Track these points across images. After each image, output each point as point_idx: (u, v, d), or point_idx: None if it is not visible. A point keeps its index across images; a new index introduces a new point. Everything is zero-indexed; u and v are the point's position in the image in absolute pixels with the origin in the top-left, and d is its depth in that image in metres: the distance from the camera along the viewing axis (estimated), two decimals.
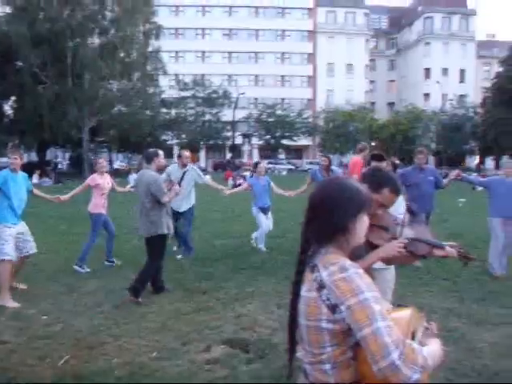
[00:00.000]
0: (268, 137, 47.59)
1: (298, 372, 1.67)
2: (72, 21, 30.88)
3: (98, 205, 7.23)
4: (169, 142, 42.05)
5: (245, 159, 49.24)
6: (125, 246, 8.59)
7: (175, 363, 3.89)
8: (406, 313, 1.56)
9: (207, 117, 43.80)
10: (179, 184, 7.74)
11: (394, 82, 65.65)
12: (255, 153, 54.57)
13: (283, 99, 54.73)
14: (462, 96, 54.34)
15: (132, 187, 8.04)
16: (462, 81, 59.64)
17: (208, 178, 10.08)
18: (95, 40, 33.43)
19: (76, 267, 6.90)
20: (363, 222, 1.63)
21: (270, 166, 46.18)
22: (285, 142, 47.51)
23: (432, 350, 1.48)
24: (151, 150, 6.07)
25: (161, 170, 6.04)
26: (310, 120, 50.09)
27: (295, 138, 47.34)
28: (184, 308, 5.28)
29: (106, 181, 7.40)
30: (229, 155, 42.59)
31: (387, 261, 2.66)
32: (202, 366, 3.86)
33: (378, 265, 3.84)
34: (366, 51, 60.66)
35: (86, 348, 4.15)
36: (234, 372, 3.74)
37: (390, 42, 67.18)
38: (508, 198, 6.68)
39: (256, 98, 54.94)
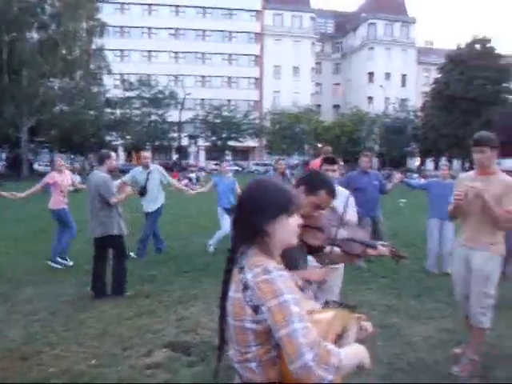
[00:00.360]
0: (214, 138, 47.37)
1: (234, 372, 1.67)
2: (7, 13, 29.42)
3: (58, 200, 7.26)
4: (114, 143, 40.99)
5: (191, 160, 48.86)
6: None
7: (115, 369, 3.79)
8: (328, 314, 1.58)
9: (153, 117, 43.01)
10: (145, 186, 7.80)
11: (340, 85, 67.32)
12: (202, 154, 54.28)
13: (230, 100, 54.77)
14: (403, 100, 56.48)
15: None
16: (403, 85, 61.98)
17: None
18: (34, 35, 32.00)
19: (53, 264, 7.01)
20: (286, 225, 1.62)
21: (216, 167, 46.14)
22: (231, 143, 47.51)
23: (351, 352, 1.50)
24: (103, 151, 6.12)
25: (112, 171, 6.02)
26: (257, 121, 50.35)
27: (242, 140, 47.43)
28: (126, 312, 5.16)
29: (65, 178, 7.42)
30: (175, 156, 41.96)
31: (322, 261, 2.72)
32: (143, 371, 3.79)
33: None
34: (312, 54, 61.84)
35: (20, 359, 3.96)
36: (176, 376, 3.70)
37: (336, 46, 68.86)
38: (444, 199, 6.99)
39: (203, 99, 54.68)
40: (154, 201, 7.96)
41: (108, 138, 39.58)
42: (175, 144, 43.96)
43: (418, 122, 50.30)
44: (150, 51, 56.39)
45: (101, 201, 5.60)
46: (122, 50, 54.75)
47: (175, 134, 43.75)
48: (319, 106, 62.38)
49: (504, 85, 45.61)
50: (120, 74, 42.36)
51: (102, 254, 5.86)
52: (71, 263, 7.33)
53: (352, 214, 4.04)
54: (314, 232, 2.59)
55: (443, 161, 7.70)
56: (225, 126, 46.54)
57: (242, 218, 1.63)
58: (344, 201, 3.99)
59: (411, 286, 6.37)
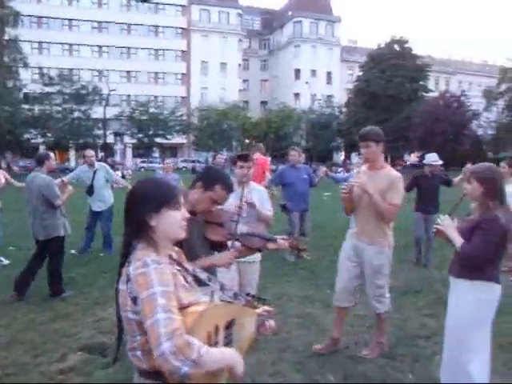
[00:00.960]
0: (141, 135, 46.21)
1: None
2: None
3: None
4: (34, 141, 38.77)
5: (118, 158, 47.38)
6: None
7: (24, 378, 3.65)
8: (200, 307, 1.61)
9: (76, 114, 40.97)
10: (92, 184, 7.75)
11: (267, 82, 68.08)
12: (129, 152, 52.84)
13: (156, 97, 53.67)
14: (329, 96, 58.20)
15: None
16: (328, 82, 63.81)
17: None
18: None
19: None
20: (169, 218, 1.68)
21: (144, 165, 45.12)
22: (158, 140, 46.56)
23: (221, 353, 1.56)
24: (42, 152, 6.21)
25: (51, 171, 5.91)
26: (184, 118, 49.74)
27: (169, 137, 46.64)
28: (39, 317, 4.95)
29: None
30: (101, 154, 40.39)
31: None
32: (55, 377, 3.67)
33: (246, 258, 4.04)
34: (240, 51, 62.04)
35: None
36: (90, 378, 3.63)
37: (263, 43, 69.55)
38: None
39: (129, 95, 53.18)
40: (102, 198, 7.93)
41: (27, 135, 37.24)
42: (100, 142, 42.30)
43: (343, 117, 52.09)
44: (71, 44, 53.79)
45: (44, 203, 5.49)
46: (40, 43, 51.91)
47: (100, 132, 42.10)
48: (247, 102, 62.80)
49: (421, 83, 48.46)
50: (39, 67, 40.07)
51: (43, 253, 5.73)
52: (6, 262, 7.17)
53: (268, 209, 4.17)
54: (215, 227, 2.65)
55: (356, 157, 8.08)
56: (152, 122, 45.47)
57: (129, 213, 1.70)
58: (259, 197, 4.14)
59: (328, 276, 6.59)
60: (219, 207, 2.65)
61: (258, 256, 4.24)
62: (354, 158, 56.29)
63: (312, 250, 8.00)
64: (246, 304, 1.94)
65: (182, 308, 1.58)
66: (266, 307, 2.00)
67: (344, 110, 53.07)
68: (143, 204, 1.66)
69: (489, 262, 3.01)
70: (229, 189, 2.63)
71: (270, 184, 7.47)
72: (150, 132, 45.62)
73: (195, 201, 2.61)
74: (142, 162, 47.16)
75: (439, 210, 6.93)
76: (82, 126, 41.02)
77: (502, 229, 2.92)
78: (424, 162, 7.65)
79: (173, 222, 1.69)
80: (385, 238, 3.93)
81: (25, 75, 37.49)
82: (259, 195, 4.14)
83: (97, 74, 49.41)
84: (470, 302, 3.04)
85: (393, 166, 6.88)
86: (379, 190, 3.78)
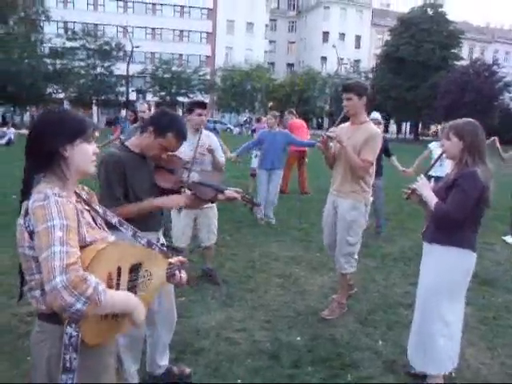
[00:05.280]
0: (163, 93, 45.95)
1: None
2: None
3: None
4: (56, 96, 38.89)
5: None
6: None
7: None
8: (101, 245, 1.54)
9: (99, 70, 40.94)
10: None
11: (294, 44, 66.49)
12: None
13: (181, 55, 53.04)
14: (356, 61, 56.59)
15: None
16: (357, 46, 61.93)
17: None
18: None
19: None
20: (83, 150, 1.61)
21: None
22: (181, 99, 46.28)
23: (122, 296, 1.52)
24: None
25: None
26: (208, 78, 49.19)
27: (191, 96, 46.25)
28: None
29: None
30: (123, 112, 40.37)
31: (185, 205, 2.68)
32: (24, 318, 3.69)
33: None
34: (267, 11, 60.37)
35: None
36: None
37: (291, 3, 67.49)
38: (273, 150, 7.27)
39: (153, 53, 52.63)
40: None
41: (49, 90, 37.33)
42: (123, 99, 42.26)
43: (368, 83, 50.65)
44: None
45: None
46: None
47: (123, 89, 42.05)
48: (273, 64, 61.61)
49: (452, 51, 46.50)
50: (62, 21, 39.81)
51: None
52: None
53: (221, 155, 4.39)
54: (164, 173, 2.53)
55: (269, 115, 7.82)
56: (174, 80, 45.14)
57: (36, 145, 1.58)
58: (213, 143, 4.26)
59: (322, 238, 6.49)
60: (170, 154, 2.52)
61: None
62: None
63: (311, 213, 7.88)
64: (160, 253, 1.84)
65: (84, 246, 1.51)
66: (180, 258, 1.94)
67: (370, 75, 51.60)
68: (57, 134, 1.56)
69: (465, 225, 2.79)
70: (182, 137, 2.50)
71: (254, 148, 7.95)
72: (173, 90, 45.31)
73: (145, 146, 2.49)
74: None
75: (382, 174, 6.61)
76: (104, 82, 41.03)
77: (481, 186, 2.68)
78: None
79: (85, 154, 1.62)
80: (361, 194, 3.81)
81: (49, 29, 37.38)
82: (212, 142, 4.27)
83: (121, 30, 48.83)
84: (442, 270, 2.87)
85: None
86: (355, 145, 3.68)
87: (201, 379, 2.98)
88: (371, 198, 3.94)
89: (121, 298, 1.52)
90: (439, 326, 2.91)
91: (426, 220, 3.14)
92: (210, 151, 4.15)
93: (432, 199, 2.82)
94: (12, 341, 3.34)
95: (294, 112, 10.14)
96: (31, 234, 1.47)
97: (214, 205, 4.26)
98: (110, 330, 1.60)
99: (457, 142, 2.79)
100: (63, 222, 1.42)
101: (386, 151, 6.52)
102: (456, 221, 2.75)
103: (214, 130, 7.97)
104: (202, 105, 4.10)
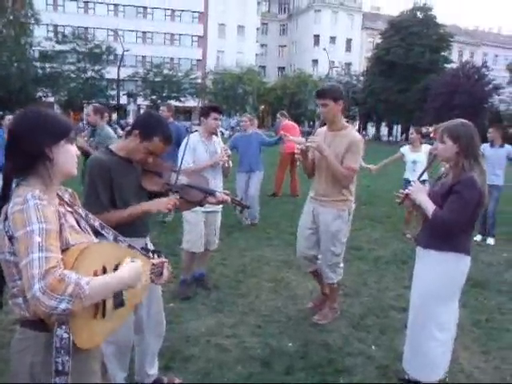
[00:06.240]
0: (154, 97, 45.79)
1: None
2: None
3: None
4: (46, 100, 38.53)
5: (130, 119, 47.20)
6: None
7: None
8: (84, 245, 1.50)
9: (90, 73, 40.67)
10: None
11: (285, 47, 66.60)
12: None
13: (172, 59, 52.93)
14: (347, 64, 56.76)
15: None
16: (348, 50, 62.13)
17: None
18: None
19: None
20: (67, 151, 1.58)
21: None
22: (172, 102, 46.17)
23: (106, 277, 1.49)
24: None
25: None
26: (199, 81, 49.08)
27: (182, 99, 46.14)
28: None
29: None
30: (114, 115, 40.15)
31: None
32: (8, 327, 3.60)
33: (212, 208, 3.99)
34: (258, 14, 60.45)
35: None
36: None
37: (282, 7, 67.61)
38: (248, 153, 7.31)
39: (143, 56, 52.45)
40: None
41: (39, 93, 37.00)
42: (114, 102, 42.00)
43: (359, 86, 50.90)
44: (86, 2, 52.73)
45: None
46: None
47: (114, 92, 41.78)
48: (264, 67, 61.67)
49: (442, 53, 46.84)
50: (52, 25, 39.49)
51: None
52: None
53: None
54: (152, 177, 2.48)
55: (244, 116, 7.94)
56: (165, 84, 45.01)
57: (19, 146, 1.53)
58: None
59: None
60: (155, 158, 2.46)
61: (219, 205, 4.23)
62: (370, 128, 55.75)
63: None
64: (141, 255, 1.84)
65: (68, 249, 1.48)
66: (162, 259, 1.95)
67: (361, 78, 51.82)
68: (42, 134, 1.52)
69: (462, 230, 2.75)
70: (167, 141, 2.44)
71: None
72: (164, 94, 45.14)
73: (131, 150, 2.43)
74: None
75: None
76: (95, 86, 40.76)
77: (479, 192, 2.63)
78: None
79: (69, 156, 1.59)
80: (344, 202, 3.73)
81: (38, 32, 37.06)
82: (225, 146, 4.51)
83: (112, 33, 48.60)
84: (438, 275, 2.80)
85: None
86: (337, 153, 3.58)
87: None
88: (353, 206, 3.87)
89: (107, 279, 1.48)
90: (434, 332, 2.85)
91: (419, 224, 3.09)
92: (229, 157, 4.35)
93: (429, 206, 2.74)
94: None
95: (286, 114, 10.15)
96: (11, 238, 1.42)
97: (219, 210, 4.37)
98: (100, 330, 1.56)
99: (451, 145, 2.71)
100: (42, 226, 1.38)
101: None
102: (454, 228, 2.70)
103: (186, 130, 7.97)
104: (218, 109, 4.25)
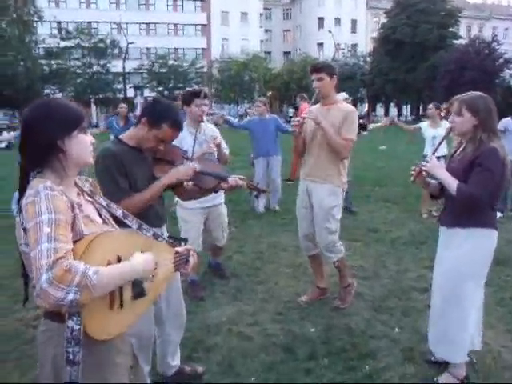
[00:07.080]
0: (161, 88, 45.71)
1: None
2: None
3: None
4: (55, 97, 38.69)
5: (138, 112, 47.17)
6: None
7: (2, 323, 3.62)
8: (91, 236, 1.45)
9: (95, 68, 40.73)
10: None
11: (290, 32, 65.86)
12: None
13: (177, 49, 52.69)
14: (353, 46, 56.04)
15: None
16: (353, 31, 61.28)
17: None
18: None
19: None
20: (80, 141, 1.56)
21: None
22: (179, 92, 46.02)
23: (118, 266, 1.45)
24: None
25: None
26: (205, 70, 48.85)
27: (189, 89, 46.00)
28: None
29: None
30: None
31: (180, 195, 2.59)
32: (30, 322, 3.61)
33: (212, 202, 3.91)
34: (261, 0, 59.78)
35: None
36: None
37: None
38: (264, 136, 7.26)
39: (148, 48, 52.28)
40: None
41: (46, 91, 37.17)
42: (121, 96, 42.01)
43: (366, 67, 50.28)
44: None
45: None
46: None
47: (120, 86, 41.79)
48: (269, 53, 61.10)
49: (450, 29, 45.94)
50: (55, 21, 39.47)
51: None
52: None
53: (225, 147, 4.11)
54: (163, 165, 2.43)
55: (257, 101, 7.66)
56: (171, 75, 44.89)
57: (31, 139, 1.51)
58: (215, 136, 3.96)
59: None
60: (166, 145, 2.40)
61: (221, 198, 4.16)
62: (379, 109, 55.13)
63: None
64: (166, 243, 1.82)
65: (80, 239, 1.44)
66: (188, 246, 1.91)
67: (368, 59, 51.12)
68: (53, 127, 1.50)
69: (487, 204, 2.61)
70: (177, 127, 2.37)
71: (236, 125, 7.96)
72: (170, 85, 45.05)
73: (141, 138, 2.37)
74: None
75: None
76: (101, 80, 40.81)
77: (503, 163, 2.52)
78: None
79: (83, 146, 1.58)
80: (338, 177, 3.68)
81: (42, 30, 37.05)
82: (214, 134, 4.02)
83: (115, 26, 48.45)
84: (467, 252, 2.67)
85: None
86: (333, 125, 3.54)
87: (214, 377, 2.89)
88: (346, 182, 3.79)
89: (118, 269, 1.44)
90: (464, 312, 2.75)
91: (437, 203, 2.99)
92: (218, 146, 3.88)
93: (451, 181, 2.61)
94: (19, 347, 3.26)
95: (306, 96, 9.68)
96: (25, 230, 1.42)
97: (223, 201, 4.21)
98: (117, 322, 1.52)
99: (470, 117, 2.61)
100: (52, 216, 1.36)
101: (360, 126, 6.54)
102: (483, 202, 2.57)
103: None
104: (200, 94, 3.81)
